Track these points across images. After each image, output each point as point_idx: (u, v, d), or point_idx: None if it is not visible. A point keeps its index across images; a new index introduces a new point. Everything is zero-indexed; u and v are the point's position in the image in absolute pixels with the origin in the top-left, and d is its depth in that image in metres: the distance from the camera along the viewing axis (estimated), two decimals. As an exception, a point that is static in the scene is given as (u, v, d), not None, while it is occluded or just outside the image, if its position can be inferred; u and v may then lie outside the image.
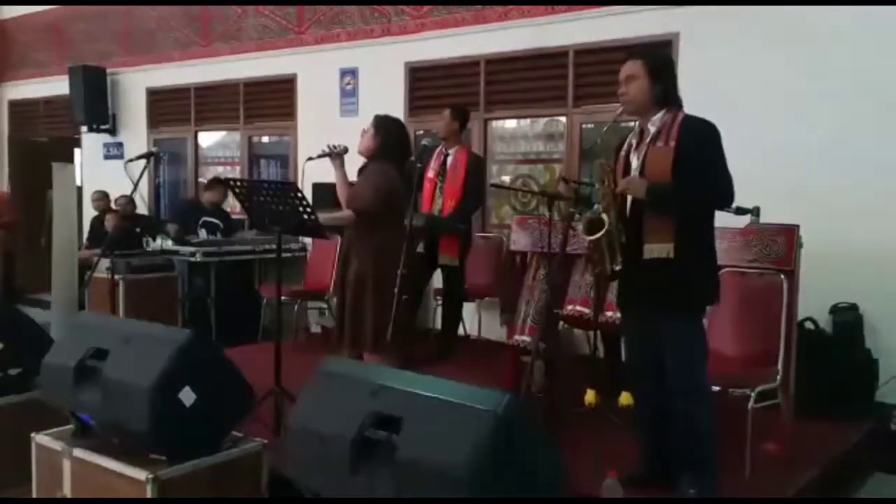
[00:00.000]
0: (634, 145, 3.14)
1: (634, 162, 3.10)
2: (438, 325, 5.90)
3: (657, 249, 2.97)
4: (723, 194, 3.01)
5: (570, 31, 5.86)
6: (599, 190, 3.10)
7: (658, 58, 3.16)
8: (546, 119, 6.27)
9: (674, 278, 2.96)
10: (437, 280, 5.74)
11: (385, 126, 4.02)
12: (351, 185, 4.07)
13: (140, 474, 2.75)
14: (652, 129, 3.06)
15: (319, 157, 4.05)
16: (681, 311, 3.02)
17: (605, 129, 3.21)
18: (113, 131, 9.34)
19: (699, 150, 2.94)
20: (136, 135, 9.12)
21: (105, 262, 5.53)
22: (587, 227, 3.09)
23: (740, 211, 4.15)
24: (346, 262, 3.97)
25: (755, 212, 4.25)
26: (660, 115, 3.05)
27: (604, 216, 3.04)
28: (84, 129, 9.35)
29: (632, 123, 3.24)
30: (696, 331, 3.06)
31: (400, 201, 3.95)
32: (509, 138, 6.52)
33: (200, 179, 8.60)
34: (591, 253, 3.21)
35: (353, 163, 4.19)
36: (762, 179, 4.58)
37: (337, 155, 4.05)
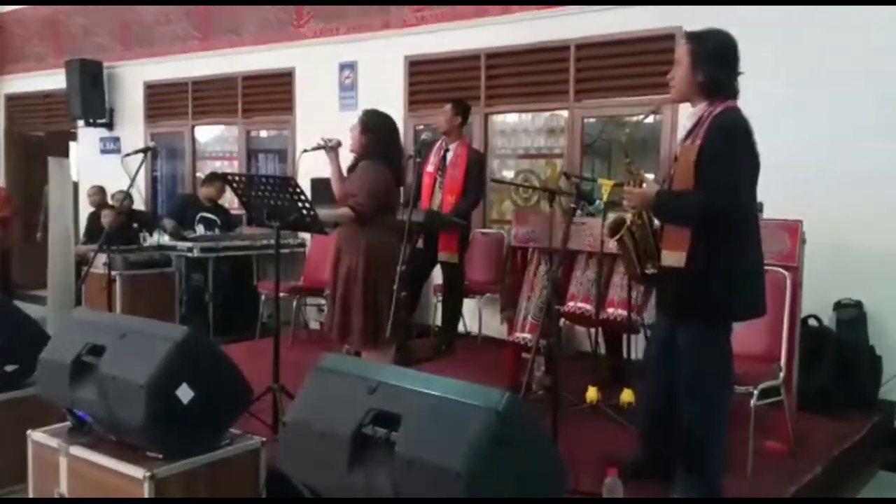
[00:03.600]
0: (681, 138, 3.00)
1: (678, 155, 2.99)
2: (438, 321, 5.88)
3: (670, 257, 2.88)
4: (714, 209, 2.78)
5: (571, 25, 5.82)
6: (626, 190, 3.00)
7: (708, 43, 2.90)
8: (547, 114, 6.23)
9: (686, 287, 2.87)
10: (437, 276, 5.71)
11: (372, 124, 3.97)
12: (345, 180, 4.05)
13: (137, 472, 2.73)
14: (689, 123, 2.94)
15: (314, 149, 4.04)
16: (693, 322, 2.93)
17: (627, 129, 3.12)
18: (110, 126, 9.30)
19: (712, 153, 2.78)
20: (133, 129, 9.08)
21: (102, 258, 5.48)
22: (610, 229, 3.02)
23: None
24: (338, 259, 3.95)
25: (758, 207, 4.22)
26: (701, 106, 2.90)
27: (626, 216, 2.97)
28: (81, 123, 9.30)
29: (652, 119, 3.17)
30: (707, 341, 2.93)
31: (392, 199, 3.92)
32: (510, 133, 6.49)
33: (198, 174, 8.57)
34: (621, 253, 3.15)
35: (348, 158, 4.17)
36: (765, 175, 4.53)
37: (331, 149, 4.05)
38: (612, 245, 3.38)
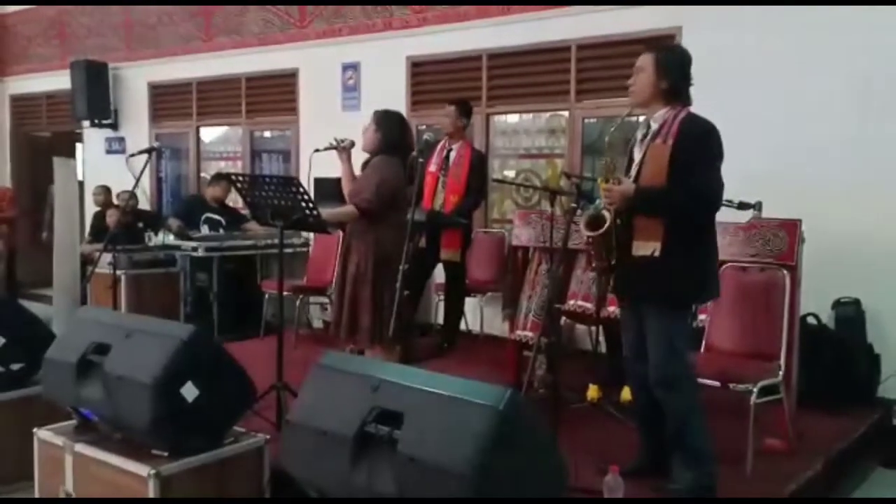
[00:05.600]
0: (639, 139, 3.17)
1: (637, 157, 3.14)
2: (440, 320, 5.90)
3: (644, 247, 3.01)
4: (706, 203, 3.00)
5: (572, 26, 5.83)
6: (602, 188, 3.09)
7: (669, 54, 3.16)
8: (548, 114, 6.25)
9: (657, 275, 2.98)
10: (439, 275, 5.74)
11: (385, 121, 4.01)
12: (356, 179, 4.08)
13: (142, 470, 2.76)
14: (654, 125, 3.09)
15: (326, 149, 4.07)
16: (662, 306, 3.05)
17: (613, 128, 3.19)
18: (115, 126, 9.32)
19: (692, 152, 2.95)
20: (137, 129, 9.11)
21: (107, 257, 5.52)
22: (589, 223, 3.10)
23: (742, 206, 4.15)
24: (347, 257, 3.97)
25: (757, 206, 4.25)
26: (663, 111, 3.07)
27: (605, 213, 3.05)
28: (86, 123, 9.34)
29: (641, 119, 3.24)
30: (676, 325, 3.07)
31: (402, 196, 3.94)
32: (511, 133, 6.50)
33: (202, 174, 8.60)
34: (591, 248, 3.24)
35: (359, 159, 4.19)
36: (764, 174, 4.57)
37: (343, 149, 4.07)
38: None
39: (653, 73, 3.07)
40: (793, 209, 3.89)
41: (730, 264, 3.82)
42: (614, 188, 3.04)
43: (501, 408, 2.15)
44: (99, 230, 7.80)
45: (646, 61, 3.10)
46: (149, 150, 4.86)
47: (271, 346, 3.91)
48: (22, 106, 10.74)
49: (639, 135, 3.18)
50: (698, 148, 2.97)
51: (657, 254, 2.97)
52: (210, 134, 8.76)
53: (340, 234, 4.50)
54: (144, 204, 8.53)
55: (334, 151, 4.09)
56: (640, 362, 3.17)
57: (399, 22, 6.78)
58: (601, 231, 3.04)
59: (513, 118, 6.49)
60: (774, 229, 3.74)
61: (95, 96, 8.94)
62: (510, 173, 6.50)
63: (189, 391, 2.81)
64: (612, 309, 4.12)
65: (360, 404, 2.38)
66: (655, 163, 3.01)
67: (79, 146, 10.03)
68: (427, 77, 6.75)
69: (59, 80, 9.51)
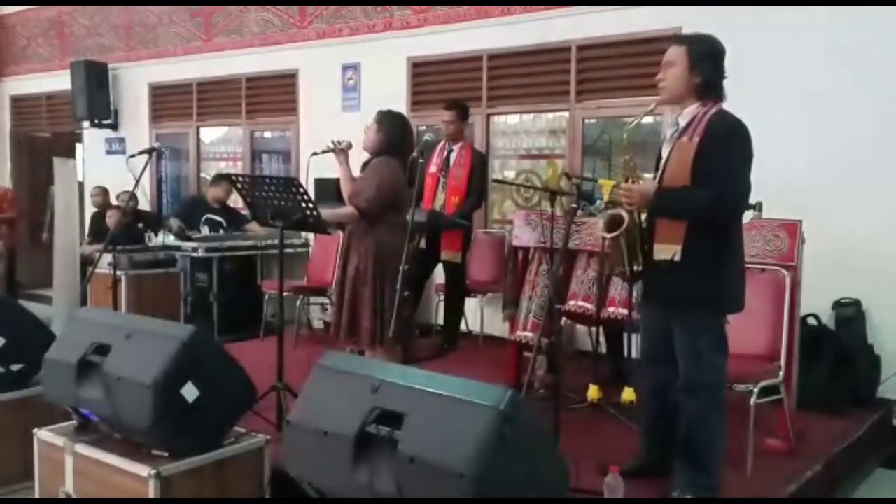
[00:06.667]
0: (668, 137, 3.05)
1: (665, 154, 3.03)
2: (440, 320, 5.90)
3: (664, 250, 2.90)
4: (728, 206, 2.85)
5: (572, 26, 5.84)
6: (623, 188, 3.00)
7: (703, 46, 2.94)
8: (550, 115, 6.25)
9: (678, 279, 2.88)
10: (439, 275, 5.74)
11: (388, 121, 4.01)
12: (355, 180, 4.08)
13: (142, 470, 2.75)
14: (682, 122, 2.96)
15: (324, 152, 4.07)
16: (684, 311, 2.94)
17: (633, 122, 3.08)
18: (115, 126, 9.33)
19: (718, 151, 2.81)
20: (138, 130, 9.12)
21: (107, 258, 5.52)
22: (607, 225, 3.02)
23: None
24: (347, 258, 3.97)
25: (758, 207, 4.24)
26: (694, 107, 2.93)
27: (623, 213, 2.97)
28: (86, 124, 9.34)
29: (652, 119, 3.18)
30: (699, 332, 2.94)
31: (402, 197, 3.94)
32: (511, 133, 6.50)
33: (203, 175, 8.60)
34: (610, 252, 3.16)
35: (358, 159, 4.18)
36: (764, 174, 4.55)
37: (341, 151, 4.07)
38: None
39: (685, 67, 2.89)
40: (793, 209, 3.89)
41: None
42: (634, 188, 2.93)
43: (502, 408, 2.14)
44: (98, 231, 7.81)
45: (677, 54, 2.92)
46: (149, 151, 4.85)
47: (271, 347, 3.91)
48: (22, 106, 10.75)
49: (668, 132, 3.06)
50: (725, 147, 2.81)
51: (677, 258, 2.85)
52: (210, 134, 8.77)
53: (340, 234, 4.50)
54: (144, 204, 8.53)
55: (332, 154, 4.08)
56: (656, 366, 3.11)
57: (399, 22, 6.78)
58: (617, 233, 2.96)
59: (513, 118, 6.50)
60: (775, 230, 3.74)
61: (95, 96, 8.95)
62: (510, 174, 6.51)
63: (189, 392, 2.81)
64: (612, 309, 4.12)
65: (360, 405, 2.38)
66: (679, 161, 2.88)
67: (79, 146, 10.03)
68: (427, 77, 6.75)
69: (58, 81, 9.52)
